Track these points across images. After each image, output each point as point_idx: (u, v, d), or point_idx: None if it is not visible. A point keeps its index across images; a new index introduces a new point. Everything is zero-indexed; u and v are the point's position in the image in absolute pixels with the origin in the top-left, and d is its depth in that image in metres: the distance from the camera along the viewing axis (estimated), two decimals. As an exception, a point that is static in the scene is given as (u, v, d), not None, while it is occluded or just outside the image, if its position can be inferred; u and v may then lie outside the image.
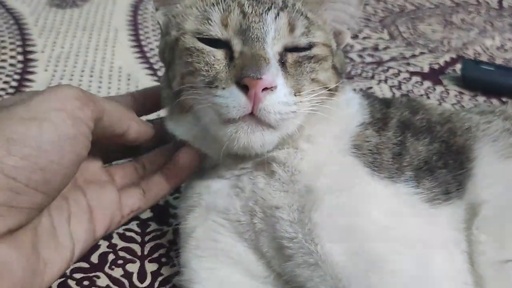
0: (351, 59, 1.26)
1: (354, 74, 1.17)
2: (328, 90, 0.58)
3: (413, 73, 1.19)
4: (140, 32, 1.31)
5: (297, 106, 0.54)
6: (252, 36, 0.54)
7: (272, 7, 0.57)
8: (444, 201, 0.53)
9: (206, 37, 0.56)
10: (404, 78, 1.16)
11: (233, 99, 0.51)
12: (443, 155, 0.56)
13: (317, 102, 0.56)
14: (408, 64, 1.24)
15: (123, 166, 0.68)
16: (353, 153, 0.55)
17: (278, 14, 0.56)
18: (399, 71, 1.19)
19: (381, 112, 0.60)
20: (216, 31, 0.56)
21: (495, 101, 1.08)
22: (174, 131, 0.62)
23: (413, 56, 1.29)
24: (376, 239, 0.50)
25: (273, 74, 0.52)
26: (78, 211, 0.60)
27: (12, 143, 0.47)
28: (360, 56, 1.28)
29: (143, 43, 1.26)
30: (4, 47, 1.18)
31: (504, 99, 1.09)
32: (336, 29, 0.64)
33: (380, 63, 1.24)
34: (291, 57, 0.56)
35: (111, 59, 1.18)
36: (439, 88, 1.13)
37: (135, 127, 0.60)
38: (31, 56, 1.16)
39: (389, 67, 1.21)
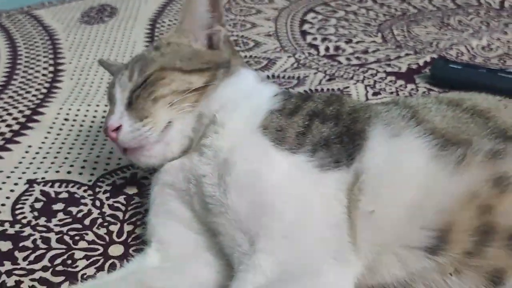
0: (339, 62, 1.39)
1: (337, 75, 1.31)
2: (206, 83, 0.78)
3: (389, 73, 1.30)
4: (155, 44, 1.50)
5: (149, 125, 0.76)
6: (111, 99, 0.82)
7: (124, 68, 0.83)
8: (333, 168, 0.66)
9: None
10: (380, 78, 1.28)
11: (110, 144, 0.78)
12: (341, 135, 0.69)
13: (187, 104, 0.77)
14: (389, 65, 1.35)
15: None
16: (260, 131, 0.70)
17: (123, 73, 0.83)
18: (377, 71, 1.31)
19: (294, 104, 0.74)
20: None
21: (460, 96, 1.18)
22: None
23: (398, 57, 1.40)
24: (269, 193, 0.65)
25: (115, 120, 0.77)
26: None
27: None
28: (348, 59, 1.40)
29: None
30: (39, 60, 1.41)
31: (470, 94, 1.19)
32: (208, 32, 0.85)
33: (363, 65, 1.36)
34: (135, 95, 0.78)
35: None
36: (410, 86, 1.24)
37: None
38: (60, 67, 1.37)
39: (369, 68, 1.33)
